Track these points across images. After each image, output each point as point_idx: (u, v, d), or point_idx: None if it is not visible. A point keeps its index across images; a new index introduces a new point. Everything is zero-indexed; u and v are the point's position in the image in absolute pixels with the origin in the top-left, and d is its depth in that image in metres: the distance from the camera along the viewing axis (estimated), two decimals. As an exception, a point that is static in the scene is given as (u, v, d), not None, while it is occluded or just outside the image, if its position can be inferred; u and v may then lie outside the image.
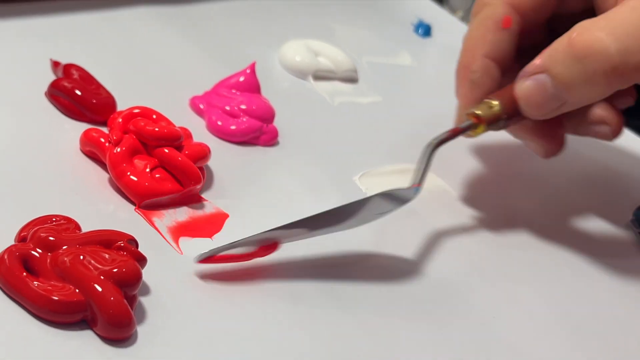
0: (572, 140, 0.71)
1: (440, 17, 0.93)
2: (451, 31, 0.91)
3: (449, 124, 0.72)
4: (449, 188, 0.64)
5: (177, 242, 0.49)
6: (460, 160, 0.67)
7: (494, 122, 0.57)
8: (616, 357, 0.53)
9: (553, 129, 0.60)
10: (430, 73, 0.82)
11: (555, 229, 0.63)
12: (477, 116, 0.57)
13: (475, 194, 0.64)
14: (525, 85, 0.55)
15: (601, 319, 0.56)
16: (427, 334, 0.49)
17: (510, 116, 0.57)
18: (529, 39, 0.62)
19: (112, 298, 0.41)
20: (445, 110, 0.76)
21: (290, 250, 0.51)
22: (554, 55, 0.54)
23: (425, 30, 0.89)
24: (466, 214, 0.61)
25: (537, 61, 0.55)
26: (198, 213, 0.52)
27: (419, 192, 0.56)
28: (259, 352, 0.44)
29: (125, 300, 0.41)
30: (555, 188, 0.69)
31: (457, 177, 0.65)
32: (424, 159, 0.56)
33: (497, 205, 0.64)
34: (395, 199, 0.55)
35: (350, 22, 0.86)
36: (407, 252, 0.56)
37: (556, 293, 0.57)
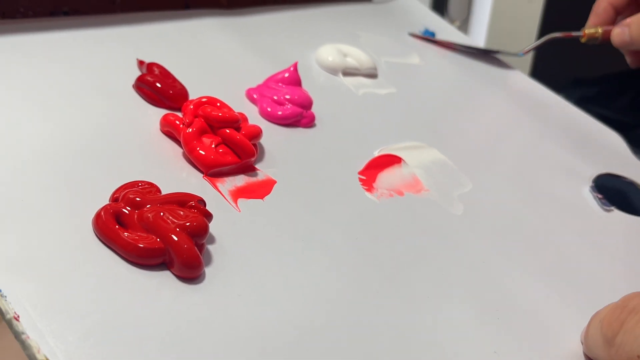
0: (540, 127, 0.70)
1: (441, 26, 0.92)
2: (450, 37, 0.90)
3: (447, 110, 0.72)
4: (448, 161, 0.63)
5: (236, 202, 0.49)
6: (456, 137, 0.67)
7: (592, 39, 0.79)
8: (577, 291, 0.52)
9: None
10: (434, 70, 0.82)
11: (530, 194, 0.63)
12: (585, 32, 0.79)
13: (467, 164, 0.64)
14: (617, 30, 0.76)
15: (567, 264, 0.55)
16: (429, 275, 0.49)
17: (603, 41, 0.79)
18: None
19: (185, 246, 0.41)
20: (445, 99, 0.76)
21: (329, 212, 0.51)
22: (635, 20, 0.74)
23: (430, 36, 0.89)
24: (466, 180, 0.61)
25: (628, 20, 0.75)
26: (252, 179, 0.52)
27: (522, 56, 0.83)
28: (297, 288, 0.44)
29: (195, 248, 0.41)
30: (528, 163, 0.68)
31: (455, 151, 0.65)
32: (539, 42, 0.82)
33: (486, 174, 0.63)
34: (508, 54, 0.85)
35: (371, 30, 0.85)
36: (413, 213, 0.55)
37: (534, 242, 0.56)
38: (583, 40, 0.79)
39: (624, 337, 0.40)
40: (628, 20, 0.75)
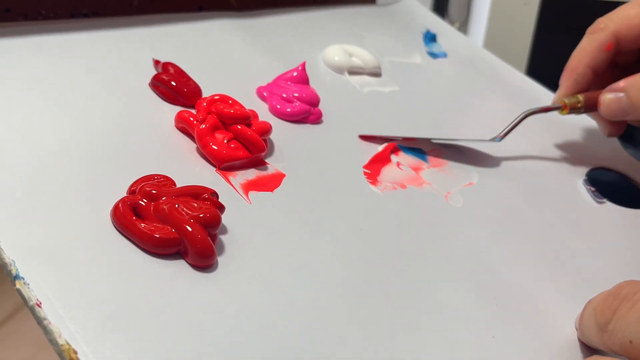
0: (537, 124, 0.70)
1: (442, 28, 0.92)
2: (450, 38, 0.90)
3: (449, 107, 0.71)
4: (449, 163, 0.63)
5: (247, 194, 0.49)
6: (457, 132, 0.66)
7: (574, 110, 0.65)
8: (571, 279, 0.52)
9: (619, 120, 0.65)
10: (435, 70, 0.82)
11: (526, 188, 0.63)
12: (565, 104, 0.65)
13: (472, 160, 0.64)
14: (608, 96, 0.61)
15: (562, 254, 0.55)
16: (431, 264, 0.49)
17: (587, 110, 0.65)
18: (623, 59, 0.68)
19: (199, 236, 0.41)
20: (446, 97, 0.75)
21: (335, 204, 0.51)
22: (633, 83, 0.59)
23: (431, 37, 0.88)
24: (466, 173, 0.61)
25: (621, 83, 0.60)
26: (262, 173, 0.52)
27: (501, 141, 0.64)
28: (305, 276, 0.44)
29: (209, 238, 0.41)
30: (525, 159, 0.68)
31: (454, 157, 0.65)
32: (515, 121, 0.65)
33: (484, 169, 0.63)
34: (485, 141, 0.65)
35: (375, 31, 0.85)
36: (416, 204, 0.55)
37: (530, 233, 0.56)
38: (564, 112, 0.65)
39: (616, 324, 0.40)
40: (621, 84, 0.60)
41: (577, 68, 0.66)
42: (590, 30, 0.67)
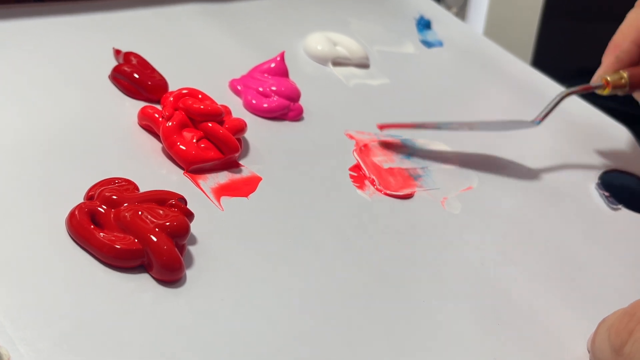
0: (550, 125, 0.70)
1: (438, 13, 0.92)
2: (447, 24, 0.90)
3: (445, 102, 0.72)
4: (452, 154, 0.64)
5: (218, 200, 0.49)
6: (453, 131, 0.67)
7: (618, 88, 0.64)
8: (582, 295, 0.53)
9: None
10: (430, 60, 0.82)
11: (531, 191, 0.63)
12: (607, 81, 0.64)
13: (465, 160, 0.64)
14: None
15: (571, 267, 0.55)
16: (425, 278, 0.49)
17: (632, 88, 0.65)
18: None
19: (165, 247, 0.41)
20: (442, 91, 0.76)
21: (318, 211, 0.52)
22: None
23: (425, 24, 0.89)
24: (465, 177, 0.62)
25: None
26: (236, 176, 0.52)
27: (539, 125, 0.64)
28: (285, 291, 0.44)
29: (176, 249, 0.41)
30: (530, 159, 0.68)
31: (451, 146, 0.65)
32: (553, 102, 0.64)
33: (485, 171, 0.64)
34: (520, 124, 0.65)
35: (363, 16, 0.85)
36: (411, 209, 0.56)
37: (536, 243, 0.57)
38: (606, 92, 0.65)
39: (633, 346, 0.40)
40: None
41: (622, 45, 0.66)
42: (639, 2, 0.67)
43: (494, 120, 0.65)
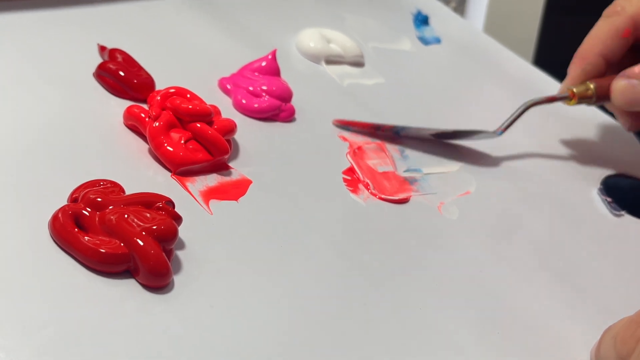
0: (543, 121, 0.71)
1: (436, 8, 0.93)
2: (446, 20, 0.90)
3: (443, 103, 0.72)
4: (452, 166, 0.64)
5: (207, 203, 0.49)
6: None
7: (584, 100, 0.66)
8: (585, 303, 0.53)
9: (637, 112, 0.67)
10: (427, 58, 0.82)
11: (532, 197, 0.63)
12: (573, 92, 0.66)
13: (473, 172, 0.64)
14: (621, 83, 0.63)
15: (574, 274, 0.56)
16: (421, 286, 0.49)
17: (598, 99, 0.66)
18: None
19: (152, 251, 0.41)
20: (439, 91, 0.76)
21: (310, 215, 0.52)
22: None
23: (423, 19, 0.89)
24: (462, 181, 0.62)
25: (636, 69, 0.63)
26: (226, 179, 0.52)
27: (501, 135, 0.64)
28: (276, 298, 0.44)
29: (163, 253, 0.41)
30: (530, 162, 0.69)
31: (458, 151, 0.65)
32: (517, 112, 0.65)
33: (484, 174, 0.64)
34: (482, 135, 0.64)
35: (358, 12, 0.85)
36: (407, 215, 0.56)
37: (536, 252, 0.57)
38: (572, 103, 0.66)
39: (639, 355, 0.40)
40: (637, 69, 0.63)
41: (588, 57, 0.67)
42: (606, 13, 0.68)
43: (457, 129, 0.64)
